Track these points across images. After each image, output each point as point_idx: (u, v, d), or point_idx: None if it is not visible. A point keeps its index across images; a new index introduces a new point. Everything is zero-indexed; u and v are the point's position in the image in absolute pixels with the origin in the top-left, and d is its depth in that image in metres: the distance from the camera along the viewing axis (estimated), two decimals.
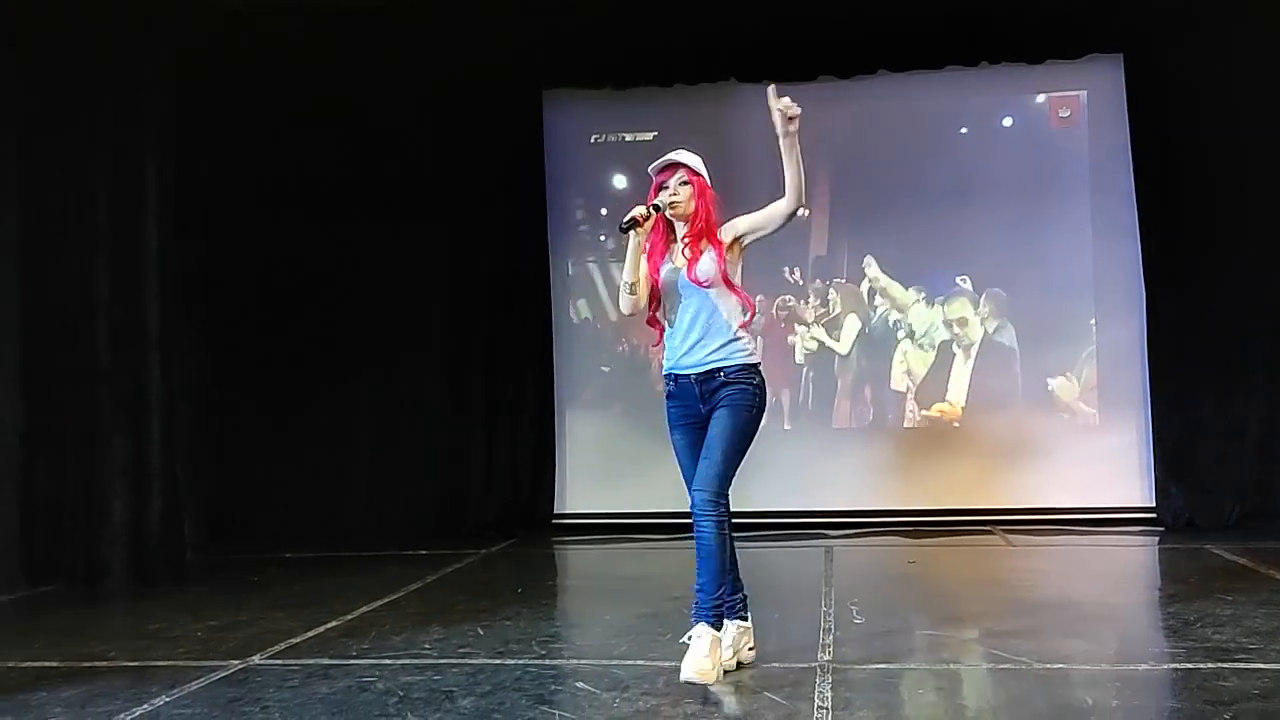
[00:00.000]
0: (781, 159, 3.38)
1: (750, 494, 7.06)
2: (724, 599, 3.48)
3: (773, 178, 7.35)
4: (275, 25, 6.53)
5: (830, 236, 7.44)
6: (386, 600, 5.06)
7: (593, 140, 7.61)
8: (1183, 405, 6.68)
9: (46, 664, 3.99)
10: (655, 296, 3.58)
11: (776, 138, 3.38)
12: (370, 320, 7.37)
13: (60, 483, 5.70)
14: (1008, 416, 7.14)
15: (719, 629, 3.45)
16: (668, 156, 3.57)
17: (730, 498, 3.48)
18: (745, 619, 3.67)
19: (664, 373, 3.61)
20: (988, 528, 6.79)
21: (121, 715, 3.29)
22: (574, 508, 7.36)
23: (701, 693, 3.33)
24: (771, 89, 3.34)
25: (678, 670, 3.41)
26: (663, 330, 3.63)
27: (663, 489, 6.88)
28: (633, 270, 3.49)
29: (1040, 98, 7.24)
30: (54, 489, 5.70)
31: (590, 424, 7.50)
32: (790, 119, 3.32)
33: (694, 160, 3.57)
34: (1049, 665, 3.58)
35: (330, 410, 7.30)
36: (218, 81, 6.63)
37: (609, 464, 7.33)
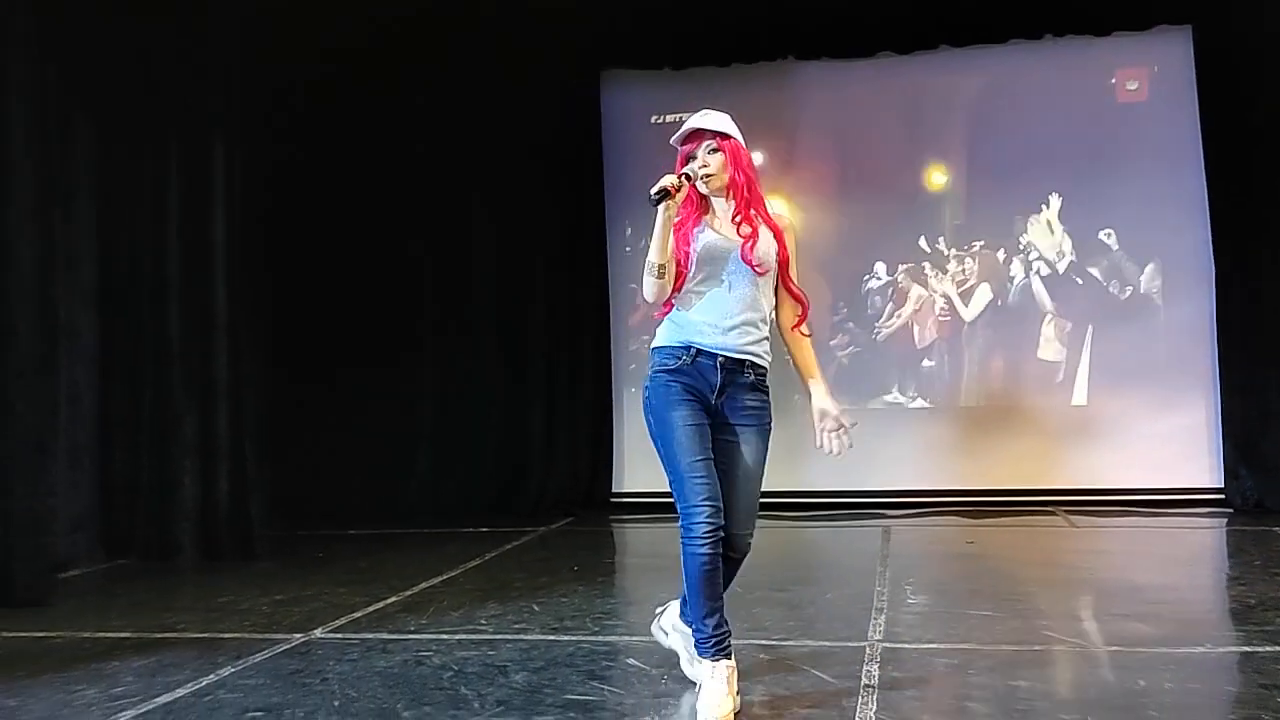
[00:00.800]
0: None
1: (809, 475, 7.17)
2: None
3: (825, 155, 7.32)
4: (337, 7, 6.65)
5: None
6: (445, 576, 5.17)
7: (653, 121, 7.61)
8: (1252, 385, 6.53)
9: (120, 635, 4.15)
10: (680, 275, 3.01)
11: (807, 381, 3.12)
12: (430, 302, 7.49)
13: (135, 461, 5.89)
14: (1076, 395, 7.03)
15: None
16: (690, 123, 3.08)
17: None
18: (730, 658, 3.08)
19: (675, 344, 3.03)
20: (1050, 509, 6.71)
21: (188, 685, 3.41)
22: (632, 487, 7.42)
23: (750, 670, 3.36)
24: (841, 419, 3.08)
25: (742, 651, 3.43)
26: (671, 300, 3.06)
27: None
28: (661, 251, 2.93)
29: (1107, 71, 7.07)
30: (129, 467, 5.89)
31: None
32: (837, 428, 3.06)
33: (721, 122, 3.06)
34: (1104, 648, 3.55)
35: (392, 392, 7.43)
36: (280, 69, 6.74)
37: None
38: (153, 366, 5.92)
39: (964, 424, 7.19)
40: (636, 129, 7.55)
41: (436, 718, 3.02)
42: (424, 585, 4.95)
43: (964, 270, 7.24)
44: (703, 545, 2.88)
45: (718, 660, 2.93)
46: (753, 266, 3.00)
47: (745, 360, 3.02)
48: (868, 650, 3.58)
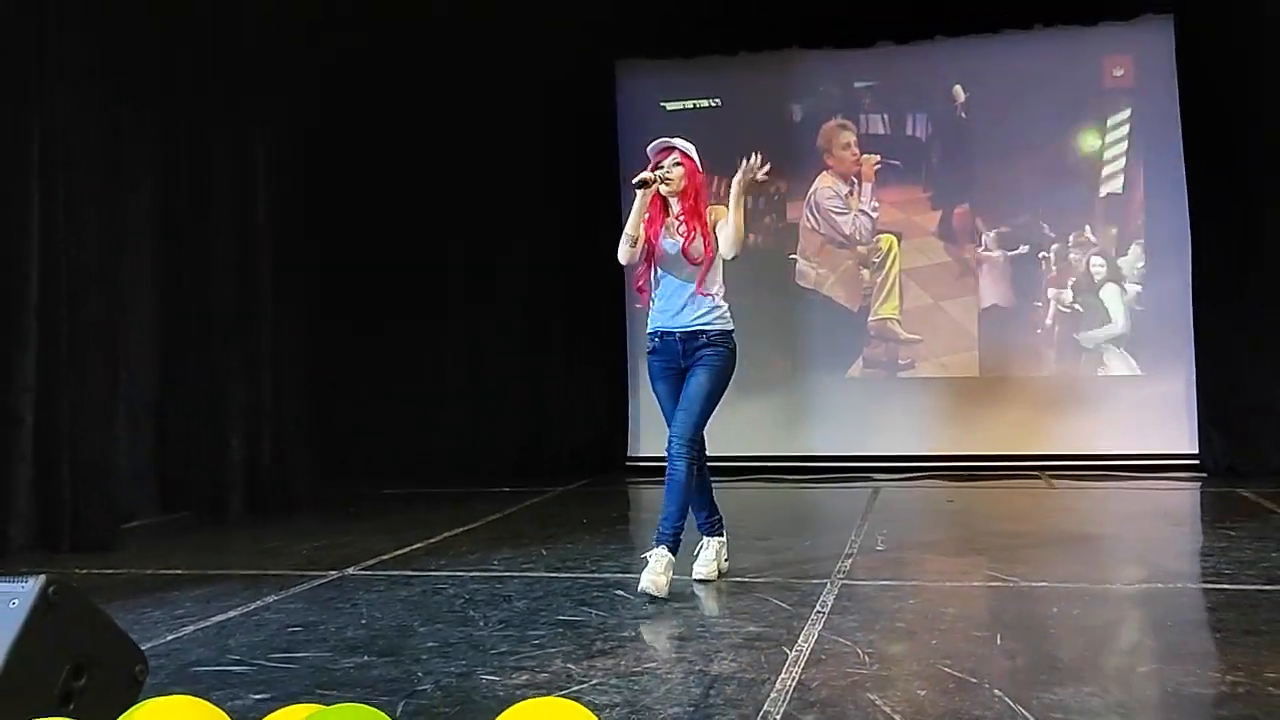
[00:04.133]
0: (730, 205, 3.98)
1: (806, 440, 7.65)
2: (683, 527, 4.01)
3: (828, 139, 7.68)
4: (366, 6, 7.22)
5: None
6: (467, 527, 5.73)
7: (665, 108, 8.06)
8: (1227, 357, 6.91)
9: (178, 572, 4.74)
10: (649, 257, 4.07)
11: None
12: (457, 277, 8.04)
13: (188, 421, 6.48)
14: (1060, 365, 7.47)
15: (675, 553, 3.97)
16: (662, 140, 4.13)
17: (705, 441, 4.15)
18: (722, 535, 4.29)
19: (649, 330, 4.14)
20: (1035, 473, 7.15)
21: (239, 608, 3.99)
22: (647, 451, 7.93)
23: (716, 598, 3.88)
24: (754, 157, 3.93)
25: (703, 583, 4.03)
26: (648, 294, 4.16)
27: (732, 433, 7.45)
28: (636, 225, 3.99)
29: (1093, 58, 7.44)
30: (183, 426, 6.48)
31: None
32: (755, 180, 3.98)
33: (687, 146, 4.09)
34: (1033, 584, 4.03)
35: (421, 361, 8.00)
36: (310, 56, 7.27)
37: None
38: (204, 336, 6.51)
39: (955, 393, 7.63)
40: (649, 115, 8.00)
41: (448, 633, 3.57)
42: (447, 534, 5.52)
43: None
44: (674, 462, 4.02)
45: (660, 546, 3.94)
46: (691, 259, 4.02)
47: (695, 331, 4.07)
48: (828, 586, 4.08)
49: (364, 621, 3.75)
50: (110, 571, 4.78)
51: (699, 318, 4.05)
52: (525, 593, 4.12)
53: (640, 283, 4.18)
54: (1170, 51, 7.15)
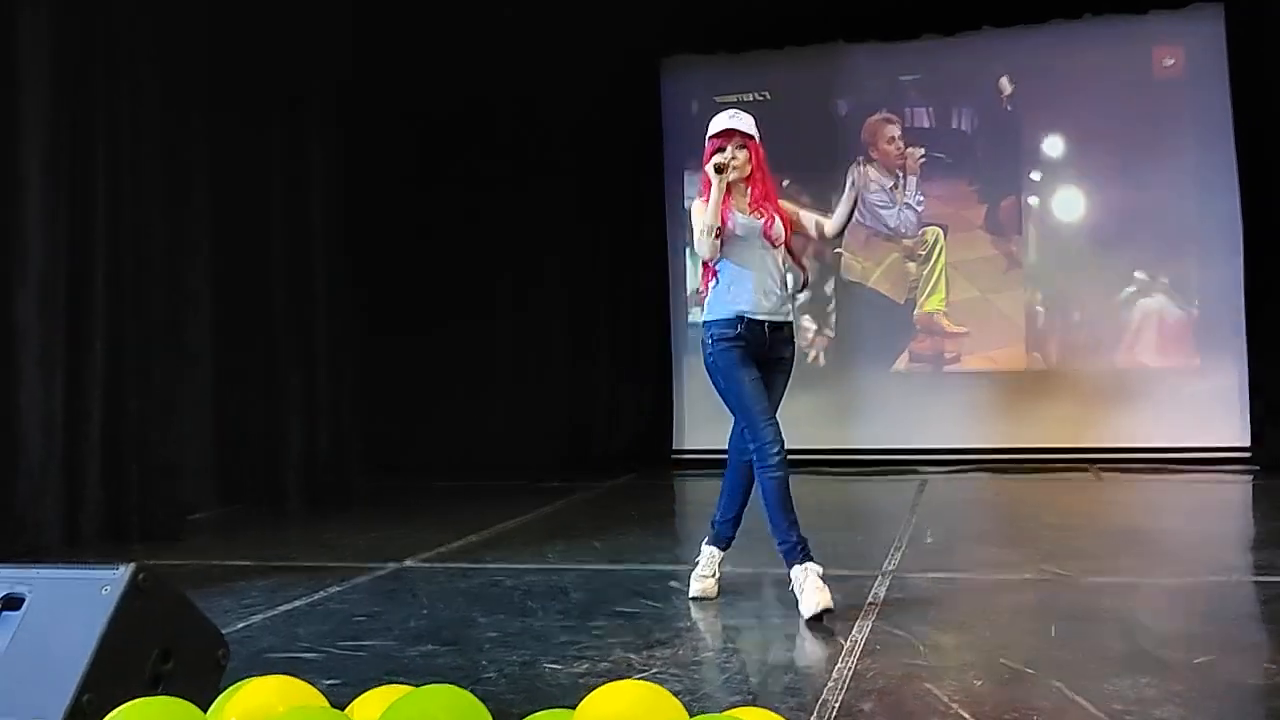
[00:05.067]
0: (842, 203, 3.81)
1: (854, 434, 7.67)
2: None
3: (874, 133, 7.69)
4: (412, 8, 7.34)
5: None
6: (520, 520, 5.83)
7: (714, 100, 8.10)
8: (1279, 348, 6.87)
9: (243, 563, 4.88)
10: (721, 240, 3.73)
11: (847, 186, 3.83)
12: (506, 275, 8.16)
13: (246, 416, 6.64)
14: (1110, 359, 7.44)
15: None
16: (722, 122, 3.79)
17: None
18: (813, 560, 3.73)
19: (728, 316, 3.73)
20: (1083, 466, 7.13)
21: (304, 598, 4.11)
22: (692, 444, 8.01)
23: (768, 591, 3.94)
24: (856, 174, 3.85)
25: (756, 576, 4.09)
26: (712, 277, 3.82)
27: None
28: (715, 215, 3.65)
29: (1143, 49, 7.40)
30: (241, 421, 6.65)
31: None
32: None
33: (748, 124, 3.79)
34: (1086, 578, 4.05)
35: (472, 357, 8.12)
36: (363, 63, 7.40)
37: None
38: (262, 333, 6.66)
39: (1003, 387, 7.62)
40: (695, 110, 8.06)
41: (506, 624, 3.66)
42: (499, 527, 5.62)
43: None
44: (778, 470, 3.67)
45: (806, 563, 3.61)
46: (771, 241, 3.78)
47: (782, 322, 3.83)
48: (879, 578, 4.13)
49: (425, 612, 3.85)
50: (178, 562, 4.92)
51: (784, 307, 3.83)
52: (581, 585, 4.20)
53: (715, 267, 3.83)
54: (1220, 41, 7.10)
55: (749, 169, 3.79)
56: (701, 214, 3.71)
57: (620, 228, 7.96)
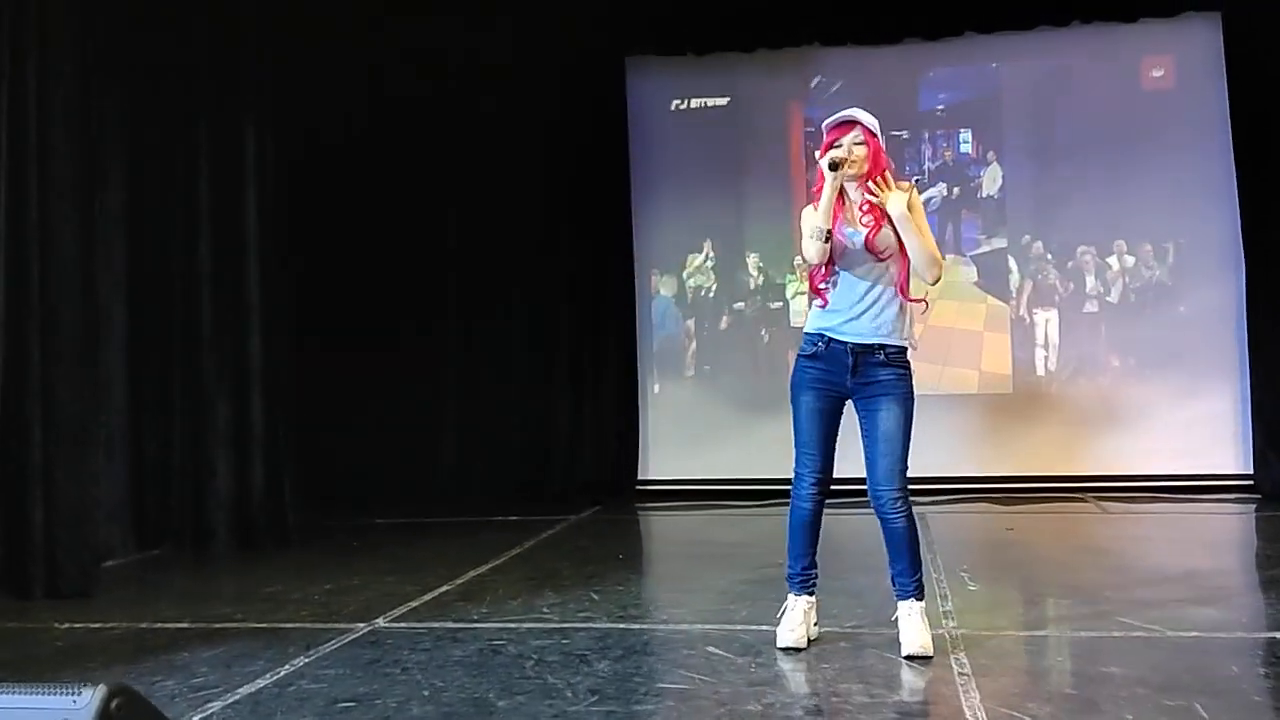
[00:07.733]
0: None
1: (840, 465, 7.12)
2: (898, 576, 3.46)
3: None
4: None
5: None
6: (492, 565, 5.13)
7: (675, 106, 7.57)
8: None
9: (178, 625, 4.09)
10: (832, 245, 3.35)
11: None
12: (457, 291, 7.44)
13: (167, 449, 5.81)
14: (1101, 382, 7.07)
15: (922, 600, 3.42)
16: (843, 114, 3.41)
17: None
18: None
19: (810, 331, 3.45)
20: (1080, 495, 6.73)
21: (267, 676, 3.36)
22: (658, 474, 7.40)
23: (831, 658, 3.35)
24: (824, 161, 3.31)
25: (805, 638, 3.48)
26: (826, 296, 3.42)
27: (742, 455, 6.99)
28: (827, 217, 3.28)
29: (1132, 58, 7.08)
30: (161, 455, 5.81)
31: (671, 392, 7.54)
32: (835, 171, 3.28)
33: (871, 121, 3.39)
34: (1180, 633, 3.56)
35: (418, 381, 7.38)
36: (308, 54, 6.66)
37: (690, 431, 7.37)
38: (184, 353, 5.84)
39: (992, 411, 7.20)
40: (660, 115, 7.52)
41: (532, 707, 2.98)
42: (473, 574, 4.91)
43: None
44: (805, 502, 3.49)
45: (799, 595, 3.50)
46: (876, 253, 3.35)
47: (873, 345, 3.37)
48: (948, 638, 3.57)
49: (426, 693, 3.15)
50: (98, 626, 4.11)
51: (879, 329, 3.35)
52: (600, 651, 3.55)
53: (819, 283, 3.44)
54: (1211, 51, 6.83)
55: (866, 167, 3.35)
56: (811, 216, 3.34)
57: (583, 239, 7.33)
